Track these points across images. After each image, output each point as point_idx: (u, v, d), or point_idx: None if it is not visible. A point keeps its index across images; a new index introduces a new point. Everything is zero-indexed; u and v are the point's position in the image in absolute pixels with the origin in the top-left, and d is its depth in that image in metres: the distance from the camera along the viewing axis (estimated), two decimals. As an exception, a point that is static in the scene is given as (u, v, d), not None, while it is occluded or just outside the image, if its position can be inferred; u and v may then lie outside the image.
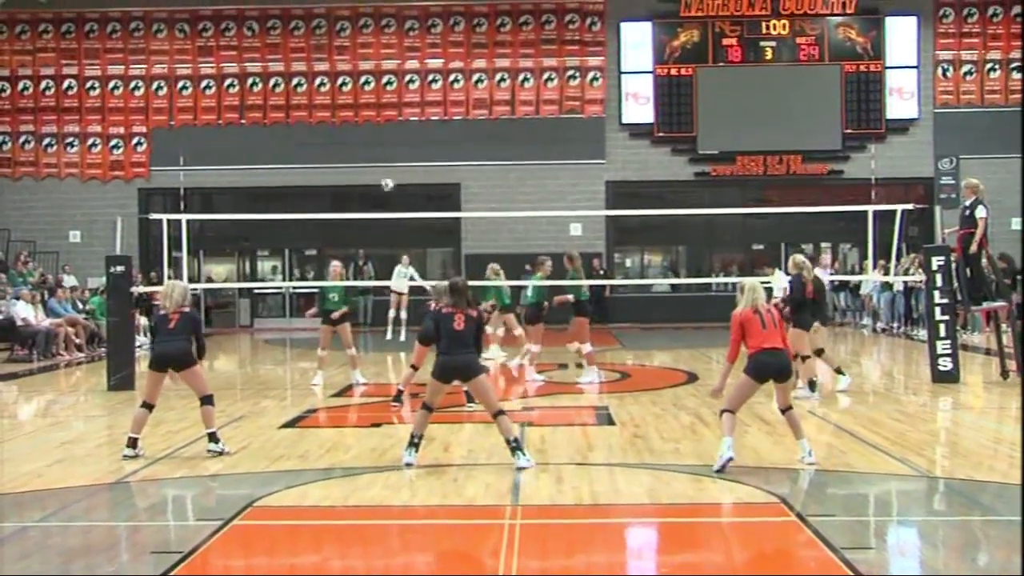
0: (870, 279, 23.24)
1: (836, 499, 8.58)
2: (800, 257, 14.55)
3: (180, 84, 30.50)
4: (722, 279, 28.63)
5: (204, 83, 30.48)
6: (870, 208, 17.65)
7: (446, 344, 9.86)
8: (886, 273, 22.42)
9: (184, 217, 19.47)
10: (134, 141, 30.54)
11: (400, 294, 23.49)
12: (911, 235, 26.75)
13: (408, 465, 9.62)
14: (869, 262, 18.95)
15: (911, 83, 30.07)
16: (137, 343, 20.82)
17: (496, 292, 19.06)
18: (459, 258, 30.00)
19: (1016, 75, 29.84)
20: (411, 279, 23.06)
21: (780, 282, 23.71)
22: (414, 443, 9.81)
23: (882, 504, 8.81)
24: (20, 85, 30.61)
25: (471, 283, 10.53)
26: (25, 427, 13.48)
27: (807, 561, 7.04)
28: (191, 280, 25.89)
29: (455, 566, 7.14)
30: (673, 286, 30.74)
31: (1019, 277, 22.27)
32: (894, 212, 16.76)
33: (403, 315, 23.12)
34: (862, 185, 28.88)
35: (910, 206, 17.42)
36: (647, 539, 7.97)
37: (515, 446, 9.67)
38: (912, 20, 30.02)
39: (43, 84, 30.60)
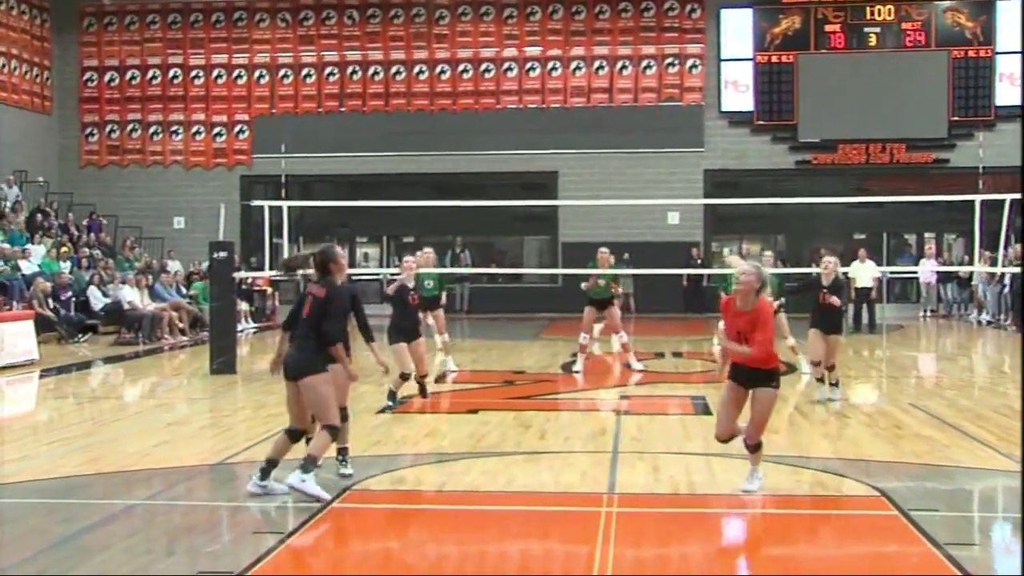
0: (977, 270, 22.69)
1: (939, 494, 8.39)
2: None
3: (281, 73, 30.93)
4: (820, 269, 28.13)
5: (305, 71, 30.87)
6: (977, 197, 17.21)
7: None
8: (993, 264, 21.86)
9: (285, 204, 19.72)
10: (236, 129, 31.07)
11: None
12: (1020, 225, 26.04)
13: (255, 494, 8.08)
14: (976, 253, 18.46)
15: (1022, 69, 29.20)
16: (240, 328, 21.25)
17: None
18: (556, 246, 29.98)
19: None
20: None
21: (866, 272, 23.31)
22: (264, 468, 8.14)
23: (987, 500, 8.61)
24: (128, 75, 31.34)
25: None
26: (132, 408, 13.82)
27: (909, 556, 6.90)
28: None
29: (551, 553, 7.13)
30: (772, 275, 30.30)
31: None
32: (1002, 202, 16.31)
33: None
34: (969, 174, 28.17)
35: (1019, 195, 16.94)
36: (744, 530, 7.88)
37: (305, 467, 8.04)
38: (1024, 4, 29.14)
39: (150, 74, 31.28)
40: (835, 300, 12.73)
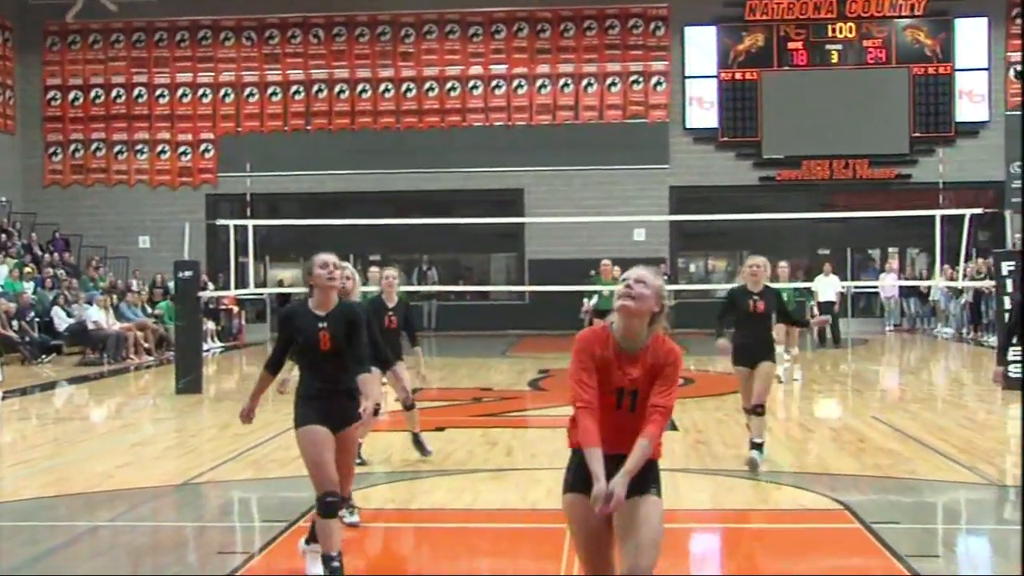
0: (937, 284, 22.93)
1: (902, 507, 8.46)
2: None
3: (247, 91, 30.86)
4: (786, 285, 28.24)
5: (271, 90, 30.82)
6: (938, 212, 17.41)
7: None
8: (954, 279, 22.10)
9: (251, 223, 19.67)
10: (202, 148, 30.96)
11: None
12: (981, 240, 26.33)
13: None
14: (937, 267, 18.67)
15: (981, 85, 29.55)
16: (206, 348, 21.16)
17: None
18: (523, 264, 30.02)
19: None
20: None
21: (830, 286, 23.49)
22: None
23: (949, 512, 8.68)
24: (92, 94, 31.17)
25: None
26: (97, 429, 13.73)
27: (872, 569, 6.96)
28: (257, 285, 26.17)
29: (517, 570, 7.13)
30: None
31: None
32: (963, 217, 16.50)
33: None
34: (930, 189, 28.47)
35: (979, 210, 17.16)
36: (710, 545, 7.93)
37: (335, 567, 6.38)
38: (982, 21, 29.51)
39: (114, 92, 31.13)
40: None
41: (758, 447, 9.67)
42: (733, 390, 15.95)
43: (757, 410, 9.68)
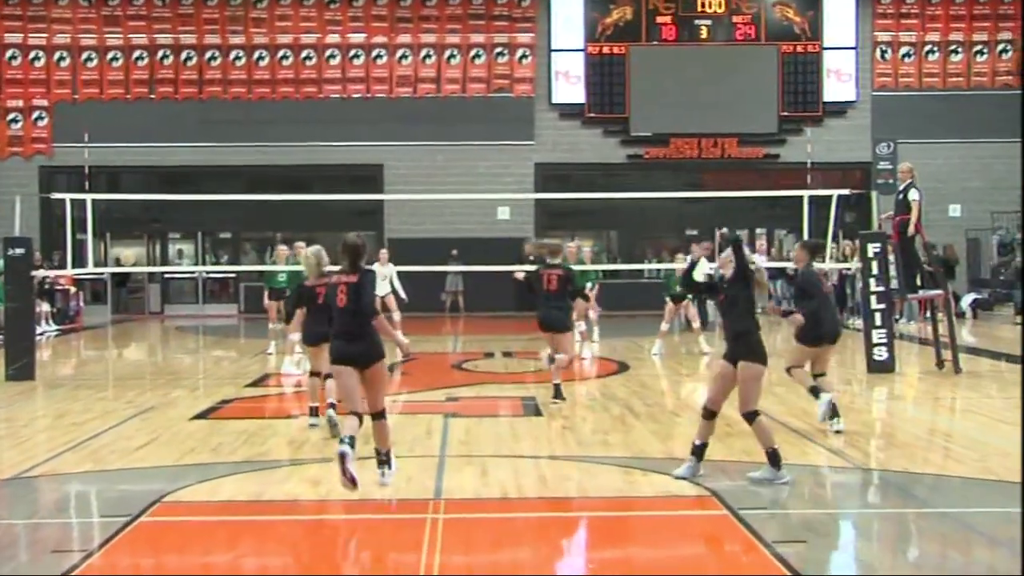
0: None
1: (768, 493, 8.34)
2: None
3: (84, 55, 29.43)
4: (655, 265, 28.24)
5: (111, 55, 29.47)
6: (805, 193, 17.46)
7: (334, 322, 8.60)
8: (822, 260, 22.16)
9: (89, 197, 18.64)
10: (34, 115, 29.48)
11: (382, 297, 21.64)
12: (848, 221, 26.56)
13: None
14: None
15: (849, 65, 29.94)
16: (39, 331, 20.04)
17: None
18: (381, 242, 29.31)
19: (954, 58, 29.98)
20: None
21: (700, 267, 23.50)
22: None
23: (815, 497, 8.67)
24: (-86, 55, 29.35)
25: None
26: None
27: (737, 556, 6.92)
28: (97, 264, 25.03)
29: (375, 563, 6.92)
30: (604, 272, 30.29)
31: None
32: (830, 197, 16.50)
33: (395, 317, 20.68)
34: (798, 169, 28.64)
35: (846, 191, 17.22)
36: (575, 533, 7.78)
37: (384, 459, 8.48)
38: (850, 0, 29.88)
39: (-65, 54, 29.35)
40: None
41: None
42: (599, 374, 15.80)
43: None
